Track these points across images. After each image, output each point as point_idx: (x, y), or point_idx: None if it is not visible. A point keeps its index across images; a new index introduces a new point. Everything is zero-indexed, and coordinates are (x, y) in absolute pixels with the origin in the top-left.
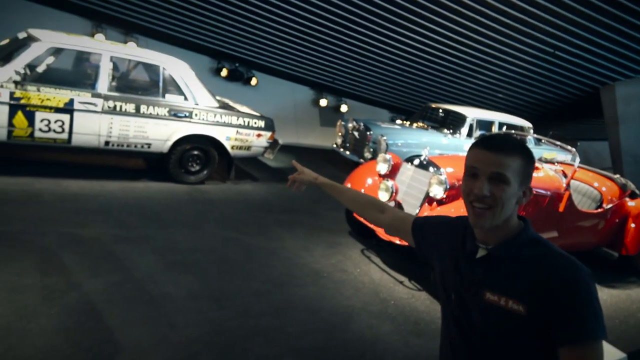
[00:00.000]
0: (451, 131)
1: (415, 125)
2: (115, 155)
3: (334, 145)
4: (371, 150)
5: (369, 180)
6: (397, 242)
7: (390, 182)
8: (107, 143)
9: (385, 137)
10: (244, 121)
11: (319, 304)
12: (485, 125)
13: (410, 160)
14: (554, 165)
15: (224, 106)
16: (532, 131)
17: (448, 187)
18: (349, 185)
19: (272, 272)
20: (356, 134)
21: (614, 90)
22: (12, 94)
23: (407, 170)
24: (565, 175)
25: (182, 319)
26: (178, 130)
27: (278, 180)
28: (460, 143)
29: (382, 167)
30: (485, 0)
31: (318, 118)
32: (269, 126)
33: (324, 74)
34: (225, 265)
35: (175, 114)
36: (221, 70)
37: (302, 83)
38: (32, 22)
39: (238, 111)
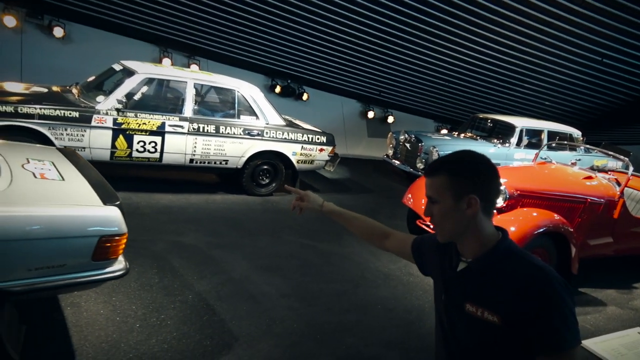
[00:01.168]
0: (500, 141)
1: (463, 135)
2: (193, 170)
3: (385, 156)
4: (423, 161)
5: None
6: None
7: None
8: (191, 160)
9: (436, 149)
10: (308, 137)
11: (393, 303)
12: (534, 133)
13: None
14: (607, 174)
15: (289, 124)
16: (582, 139)
17: (508, 196)
18: (409, 196)
19: (348, 275)
20: (408, 145)
21: None
22: (115, 120)
23: None
24: (619, 184)
25: (279, 314)
26: (251, 147)
27: (337, 190)
28: (510, 152)
29: None
30: (531, 13)
31: (365, 129)
32: (330, 141)
33: (371, 87)
34: (305, 269)
35: (249, 133)
36: (275, 87)
37: (350, 96)
38: (108, 49)
39: (302, 128)
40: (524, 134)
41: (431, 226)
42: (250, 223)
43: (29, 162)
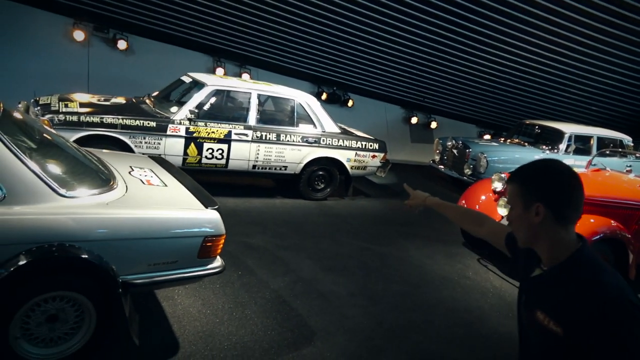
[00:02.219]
0: (549, 147)
1: (509, 141)
2: (254, 176)
3: (431, 162)
4: (471, 167)
5: (483, 197)
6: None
7: None
8: (254, 167)
9: (485, 155)
10: (362, 144)
11: (453, 304)
12: (583, 140)
13: None
14: None
15: (344, 132)
16: (631, 144)
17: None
18: (463, 202)
19: (407, 277)
20: (455, 151)
21: None
22: (187, 129)
23: None
24: None
25: (349, 311)
26: (309, 154)
27: (388, 196)
28: (559, 159)
29: (498, 185)
30: (579, 19)
31: (409, 135)
32: (382, 148)
33: (414, 93)
34: (366, 270)
35: (307, 140)
36: (321, 94)
37: (394, 102)
38: (166, 60)
39: (356, 135)
40: (572, 140)
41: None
42: (309, 226)
43: (132, 169)
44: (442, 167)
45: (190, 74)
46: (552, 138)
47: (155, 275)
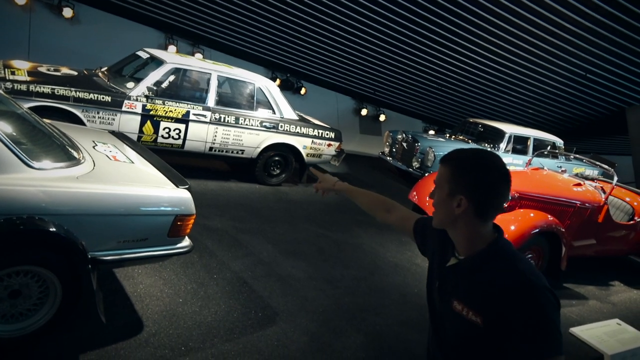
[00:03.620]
0: (491, 145)
1: (454, 137)
2: (209, 158)
3: (381, 154)
4: (419, 160)
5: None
6: None
7: None
8: (211, 149)
9: (433, 149)
10: (318, 132)
11: (405, 289)
12: (521, 140)
13: None
14: (594, 182)
15: (301, 119)
16: (562, 146)
17: (510, 197)
18: (414, 194)
19: (362, 263)
20: (405, 144)
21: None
22: (144, 106)
23: None
24: (604, 191)
25: (309, 294)
26: (267, 139)
27: None
28: None
29: None
30: (524, 26)
31: (358, 126)
32: (338, 137)
33: (366, 85)
34: (324, 255)
35: (265, 125)
36: (275, 80)
37: (345, 93)
38: (115, 33)
39: (313, 124)
40: (512, 140)
41: None
42: (266, 211)
43: (96, 144)
44: (391, 159)
45: (147, 49)
46: (494, 137)
47: (124, 252)
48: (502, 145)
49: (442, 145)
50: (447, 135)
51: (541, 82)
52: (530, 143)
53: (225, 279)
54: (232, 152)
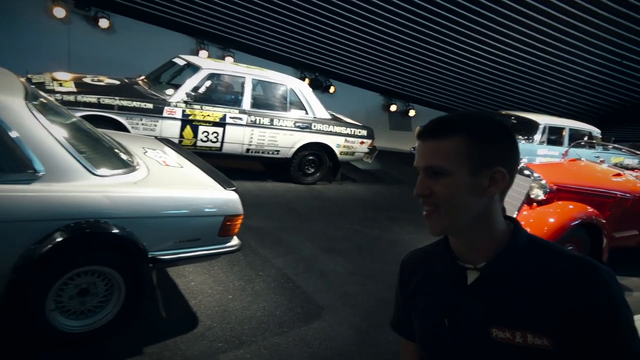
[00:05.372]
0: (525, 137)
1: None
2: (246, 159)
3: (412, 149)
4: None
5: None
6: None
7: None
8: (247, 150)
9: None
10: (351, 131)
11: None
12: (556, 131)
13: None
14: (634, 172)
15: (334, 118)
16: (599, 135)
17: (548, 190)
18: None
19: (400, 258)
20: None
21: None
22: (183, 111)
23: None
24: None
25: (350, 289)
26: (301, 139)
27: (373, 181)
28: (533, 149)
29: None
30: (554, 14)
31: (387, 122)
32: (370, 135)
33: (395, 81)
34: (362, 251)
35: (299, 126)
36: (304, 79)
37: (374, 90)
38: (149, 41)
39: (346, 122)
40: (547, 131)
41: None
42: (303, 209)
43: (146, 150)
44: None
45: (183, 56)
46: (528, 128)
47: (180, 252)
48: (537, 137)
49: None
50: None
51: (575, 70)
52: (566, 133)
53: (270, 276)
54: (268, 152)
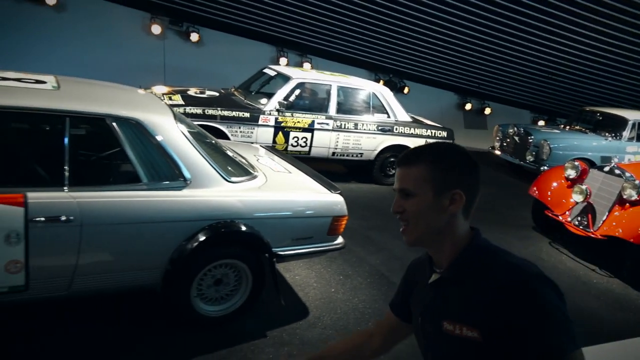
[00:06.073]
0: (612, 134)
1: (569, 128)
2: (330, 162)
3: (490, 148)
4: (533, 153)
5: (555, 184)
6: (581, 234)
7: (584, 186)
8: (333, 154)
9: (548, 142)
10: (431, 132)
11: None
12: None
13: (599, 167)
14: None
15: (414, 120)
16: None
17: None
18: (535, 190)
19: None
20: (517, 138)
21: None
22: (276, 119)
23: (598, 176)
24: None
25: None
26: (383, 142)
27: None
28: (621, 146)
29: (571, 173)
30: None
31: (462, 121)
32: (450, 136)
33: (469, 79)
34: None
35: (381, 129)
36: (378, 81)
37: (448, 89)
38: (233, 51)
39: (426, 124)
40: (636, 127)
41: (559, 216)
42: (387, 209)
43: (258, 159)
44: (501, 153)
45: (273, 66)
46: (614, 125)
47: (297, 248)
48: (625, 134)
49: (558, 138)
50: (561, 125)
51: None
52: None
53: (366, 272)
54: (352, 155)
